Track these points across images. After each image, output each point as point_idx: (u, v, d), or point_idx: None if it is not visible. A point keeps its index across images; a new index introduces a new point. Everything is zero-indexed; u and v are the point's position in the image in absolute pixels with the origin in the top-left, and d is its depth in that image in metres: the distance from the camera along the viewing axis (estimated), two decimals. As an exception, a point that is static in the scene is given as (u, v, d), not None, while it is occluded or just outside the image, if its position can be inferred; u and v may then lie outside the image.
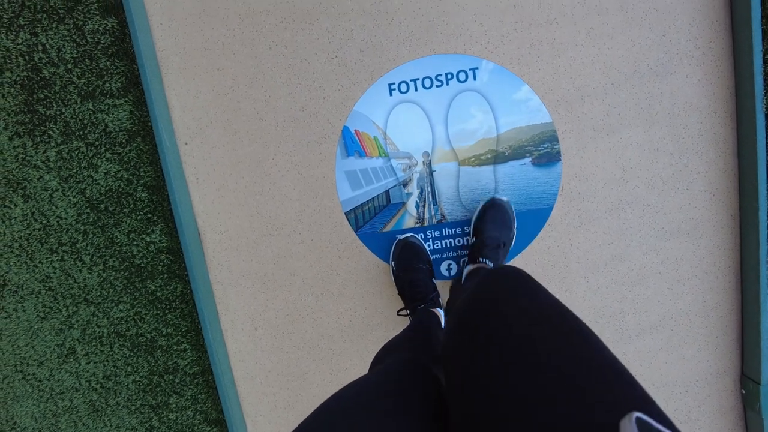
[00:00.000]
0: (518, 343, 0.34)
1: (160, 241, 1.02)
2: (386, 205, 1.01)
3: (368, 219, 1.01)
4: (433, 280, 0.98)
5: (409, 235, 1.00)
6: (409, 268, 0.96)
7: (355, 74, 0.96)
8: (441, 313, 0.94)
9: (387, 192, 1.00)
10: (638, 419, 0.21)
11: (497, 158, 0.97)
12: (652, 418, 0.23)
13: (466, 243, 1.01)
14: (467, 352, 0.38)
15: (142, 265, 1.04)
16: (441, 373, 0.65)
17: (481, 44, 0.94)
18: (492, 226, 0.92)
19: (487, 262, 0.89)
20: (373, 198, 1.00)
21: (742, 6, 0.89)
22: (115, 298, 1.06)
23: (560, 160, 0.96)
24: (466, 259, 0.98)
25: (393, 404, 0.41)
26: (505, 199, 0.95)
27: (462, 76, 0.95)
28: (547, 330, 0.34)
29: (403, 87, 0.96)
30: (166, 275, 1.04)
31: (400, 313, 0.95)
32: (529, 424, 0.28)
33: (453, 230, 1.00)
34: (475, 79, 0.95)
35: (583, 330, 0.34)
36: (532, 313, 0.37)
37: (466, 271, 0.93)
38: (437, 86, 0.95)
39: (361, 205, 1.01)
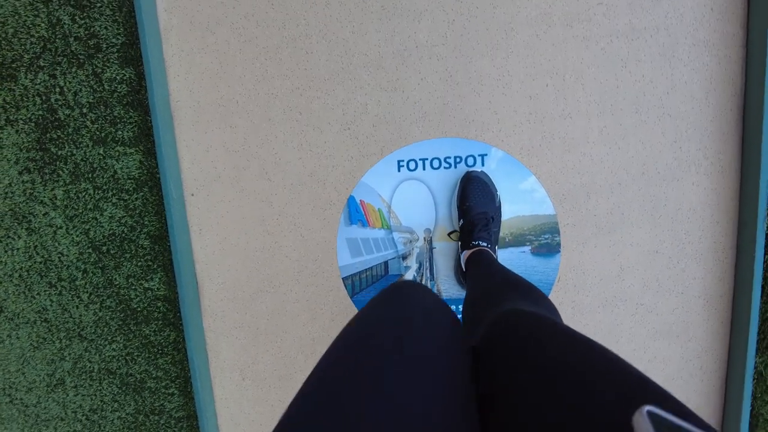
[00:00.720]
0: (527, 373, 0.35)
1: (158, 288, 1.03)
2: (384, 275, 1.02)
3: (365, 287, 1.02)
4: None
5: (403, 307, 1.01)
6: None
7: (365, 147, 0.97)
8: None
9: (386, 263, 1.01)
10: (649, 412, 0.21)
11: (498, 243, 0.98)
12: (669, 411, 0.22)
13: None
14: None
15: (139, 309, 1.05)
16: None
17: (493, 131, 0.95)
18: (475, 201, 0.92)
19: (480, 243, 0.89)
20: (371, 267, 1.01)
21: (753, 121, 0.89)
22: (109, 337, 1.07)
23: (559, 252, 0.97)
24: (459, 244, 0.96)
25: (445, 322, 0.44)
26: (479, 170, 0.95)
27: (470, 161, 0.95)
28: (554, 351, 0.35)
29: (412, 165, 0.96)
30: (161, 321, 1.05)
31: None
32: (544, 424, 0.28)
33: (447, 307, 1.01)
34: (483, 165, 0.95)
35: (590, 342, 0.35)
36: (530, 343, 0.38)
37: (462, 257, 0.92)
38: (445, 168, 0.96)
39: (359, 272, 1.02)
